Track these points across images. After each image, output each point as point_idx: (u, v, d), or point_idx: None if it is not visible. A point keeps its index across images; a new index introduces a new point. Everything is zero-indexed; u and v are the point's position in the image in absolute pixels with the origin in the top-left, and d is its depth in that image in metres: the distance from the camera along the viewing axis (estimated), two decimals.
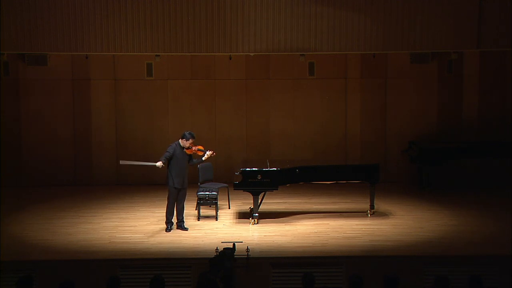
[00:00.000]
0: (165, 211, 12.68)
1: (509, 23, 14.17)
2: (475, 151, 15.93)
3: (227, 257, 9.78)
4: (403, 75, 16.96)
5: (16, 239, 12.13)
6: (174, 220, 12.77)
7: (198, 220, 13.27)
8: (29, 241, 11.98)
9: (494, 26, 14.25)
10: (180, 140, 12.56)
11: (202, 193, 13.34)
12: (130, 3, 14.04)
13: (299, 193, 15.17)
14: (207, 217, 13.40)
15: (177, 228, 12.70)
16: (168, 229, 12.66)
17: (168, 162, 12.46)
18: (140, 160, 13.44)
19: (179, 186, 12.53)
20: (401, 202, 14.72)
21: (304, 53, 15.10)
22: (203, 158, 12.87)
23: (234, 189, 13.13)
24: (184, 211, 12.83)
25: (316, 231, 12.54)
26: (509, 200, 14.60)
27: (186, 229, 12.68)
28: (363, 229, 12.64)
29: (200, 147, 12.81)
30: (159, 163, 12.36)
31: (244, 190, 13.04)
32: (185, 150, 12.50)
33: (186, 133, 12.57)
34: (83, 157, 16.87)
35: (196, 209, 13.51)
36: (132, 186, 16.06)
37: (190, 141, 12.52)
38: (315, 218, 13.43)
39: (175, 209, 12.65)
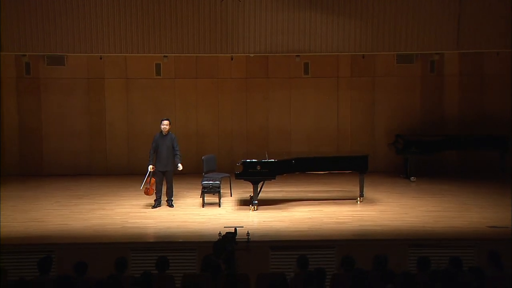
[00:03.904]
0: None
1: (485, 27, 14.21)
2: (456, 143, 15.95)
3: (229, 240, 9.73)
4: (390, 74, 16.94)
5: (37, 223, 12.12)
6: (164, 198, 13.27)
7: (203, 207, 13.25)
8: (49, 226, 11.96)
9: (472, 29, 14.29)
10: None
11: (206, 182, 13.31)
12: (140, 9, 14.05)
13: (295, 182, 15.14)
14: (211, 204, 13.37)
15: (167, 205, 13.22)
16: (155, 206, 13.16)
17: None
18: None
19: (161, 169, 13.05)
20: (388, 190, 14.71)
21: (299, 54, 15.12)
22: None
23: (235, 179, 13.12)
24: (173, 191, 13.32)
25: (310, 217, 12.52)
26: (486, 188, 14.62)
27: (172, 206, 13.18)
28: (354, 215, 12.61)
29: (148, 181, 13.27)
30: (149, 167, 13.12)
31: (245, 180, 13.03)
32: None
33: (162, 119, 13.21)
34: (98, 149, 16.87)
35: (200, 197, 13.49)
36: (142, 175, 15.99)
37: (163, 122, 13.09)
38: (310, 205, 13.41)
39: (164, 190, 13.22)
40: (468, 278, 7.80)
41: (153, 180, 13.14)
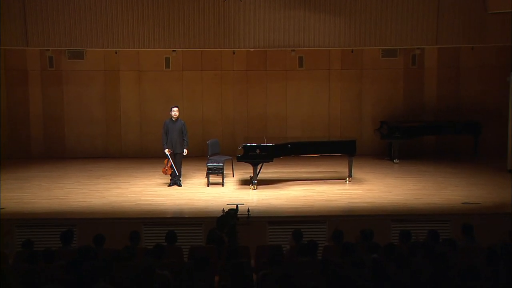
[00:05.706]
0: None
1: (461, 25, 14.22)
2: (434, 129, 16.00)
3: (231, 216, 9.79)
4: (376, 67, 16.94)
5: (60, 200, 12.19)
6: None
7: (208, 186, 13.29)
8: (71, 202, 12.02)
9: (449, 26, 14.28)
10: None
11: (211, 164, 13.36)
12: (151, 9, 14.04)
13: (291, 164, 15.17)
14: (215, 183, 13.42)
15: (176, 185, 13.23)
16: (170, 184, 13.25)
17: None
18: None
19: (171, 150, 13.04)
20: (373, 171, 14.74)
21: (295, 49, 15.11)
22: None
23: (237, 161, 13.14)
24: (181, 172, 13.28)
25: (304, 195, 12.56)
26: (461, 169, 14.68)
27: (180, 185, 13.18)
28: (343, 193, 12.66)
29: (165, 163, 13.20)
30: (166, 151, 13.03)
31: (245, 162, 13.05)
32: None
33: (172, 107, 13.15)
34: (114, 134, 16.90)
35: (206, 177, 13.52)
36: (153, 158, 16.05)
37: (173, 109, 13.05)
38: (304, 184, 13.46)
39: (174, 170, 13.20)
40: (444, 248, 7.88)
41: (171, 161, 13.10)
